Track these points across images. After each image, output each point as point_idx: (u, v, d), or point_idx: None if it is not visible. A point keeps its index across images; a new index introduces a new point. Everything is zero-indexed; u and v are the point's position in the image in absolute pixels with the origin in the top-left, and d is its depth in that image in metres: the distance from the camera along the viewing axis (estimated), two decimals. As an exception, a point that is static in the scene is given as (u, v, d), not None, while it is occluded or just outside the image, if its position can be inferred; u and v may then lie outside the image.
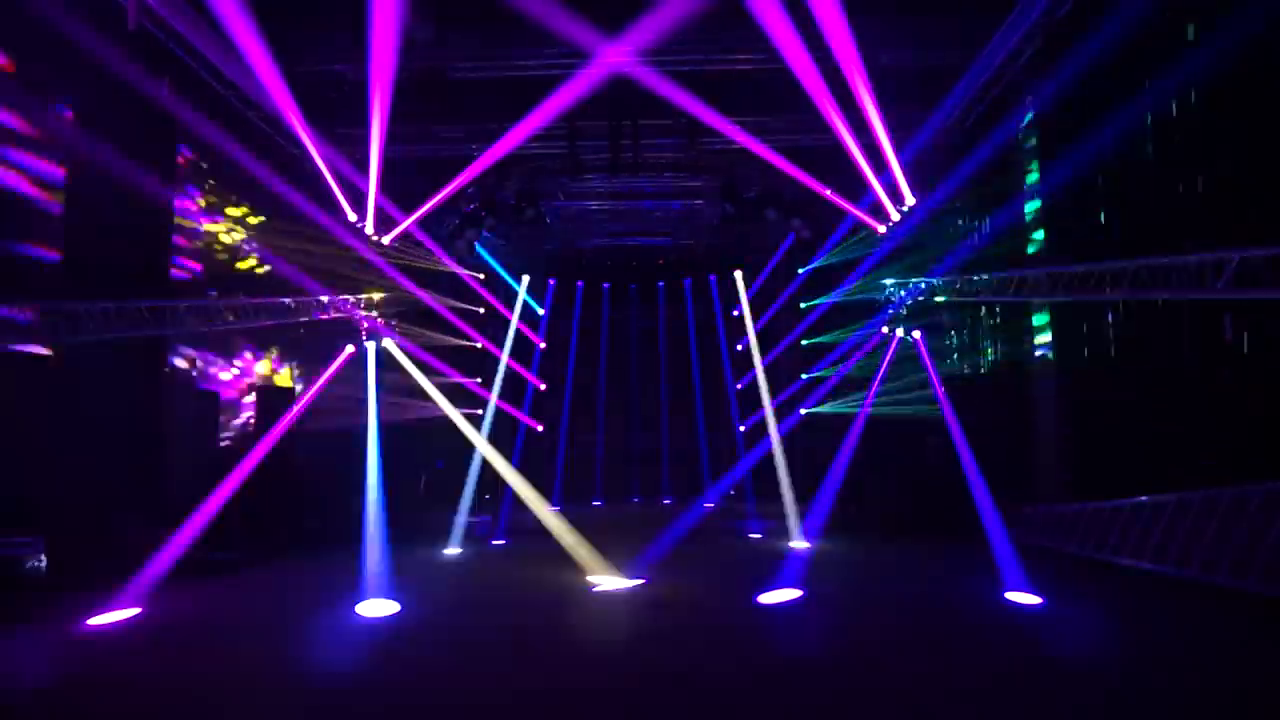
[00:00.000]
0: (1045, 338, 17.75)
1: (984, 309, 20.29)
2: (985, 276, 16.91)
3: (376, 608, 11.65)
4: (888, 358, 20.70)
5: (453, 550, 18.92)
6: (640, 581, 13.81)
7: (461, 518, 21.85)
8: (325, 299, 18.81)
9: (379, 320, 20.45)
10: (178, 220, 16.88)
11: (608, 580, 13.91)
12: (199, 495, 14.24)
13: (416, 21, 15.30)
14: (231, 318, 16.50)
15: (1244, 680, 7.83)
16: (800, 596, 12.30)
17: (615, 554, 15.13)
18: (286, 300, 17.71)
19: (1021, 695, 7.52)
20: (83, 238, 14.07)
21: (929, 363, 19.47)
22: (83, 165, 14.01)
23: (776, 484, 23.78)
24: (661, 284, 31.76)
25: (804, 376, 25.45)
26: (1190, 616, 10.57)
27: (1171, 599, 11.49)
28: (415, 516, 21.18)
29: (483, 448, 22.10)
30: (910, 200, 17.38)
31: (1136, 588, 12.22)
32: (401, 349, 21.43)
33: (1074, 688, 7.65)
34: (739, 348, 29.89)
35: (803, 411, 24.79)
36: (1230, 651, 8.91)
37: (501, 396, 27.20)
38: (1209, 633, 9.83)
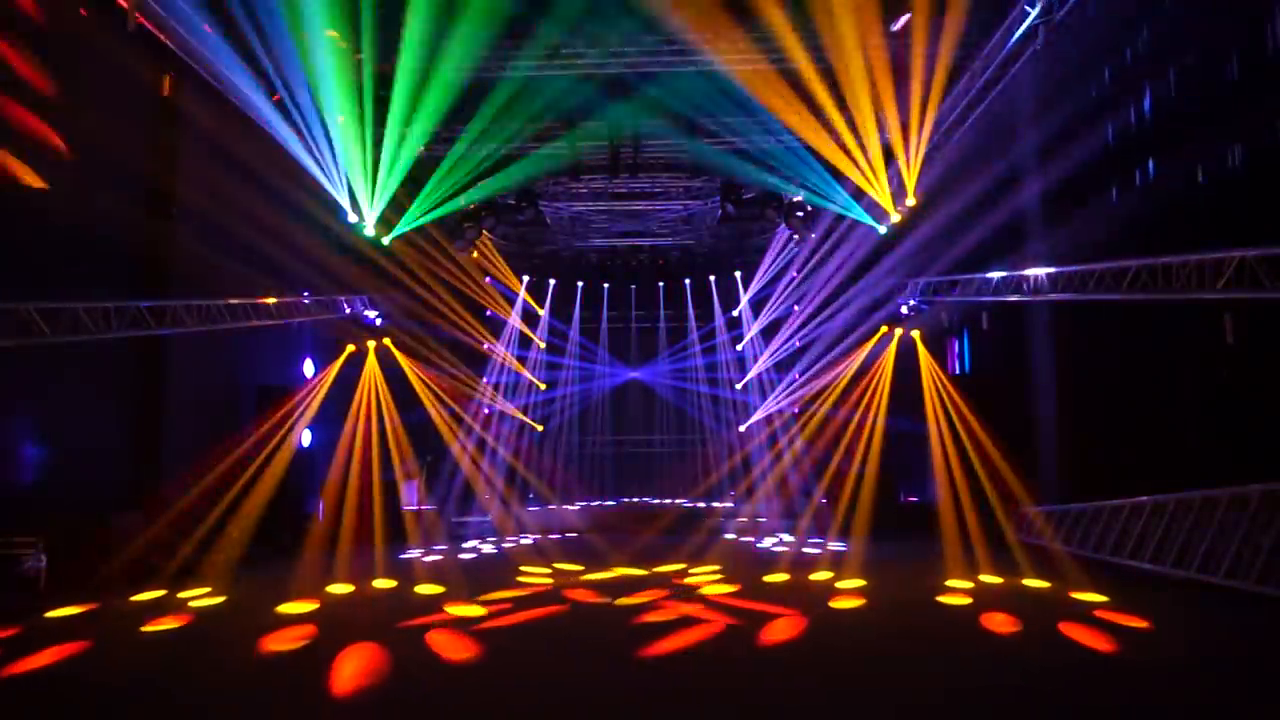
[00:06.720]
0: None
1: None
2: (985, 276, 16.90)
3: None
4: (888, 357, 20.70)
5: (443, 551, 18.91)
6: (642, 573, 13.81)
7: (456, 517, 21.81)
8: (326, 300, 18.79)
9: (379, 320, 20.44)
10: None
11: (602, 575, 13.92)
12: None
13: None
14: (231, 318, 16.47)
15: (1243, 679, 7.84)
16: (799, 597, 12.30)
17: (613, 553, 15.14)
18: (287, 300, 17.69)
19: (1022, 695, 7.52)
20: (84, 235, 14.05)
21: (928, 362, 19.46)
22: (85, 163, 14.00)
23: (776, 484, 23.78)
24: (661, 284, 31.73)
25: (801, 376, 25.44)
26: (1190, 616, 10.58)
27: (1171, 599, 11.50)
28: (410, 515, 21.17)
29: (481, 446, 22.11)
30: (911, 200, 17.38)
31: (1136, 587, 12.20)
32: (401, 349, 21.45)
33: (1074, 686, 7.65)
34: (739, 348, 29.86)
35: (798, 411, 24.78)
36: (1229, 651, 8.91)
37: (501, 396, 27.21)
38: (1208, 632, 9.83)
